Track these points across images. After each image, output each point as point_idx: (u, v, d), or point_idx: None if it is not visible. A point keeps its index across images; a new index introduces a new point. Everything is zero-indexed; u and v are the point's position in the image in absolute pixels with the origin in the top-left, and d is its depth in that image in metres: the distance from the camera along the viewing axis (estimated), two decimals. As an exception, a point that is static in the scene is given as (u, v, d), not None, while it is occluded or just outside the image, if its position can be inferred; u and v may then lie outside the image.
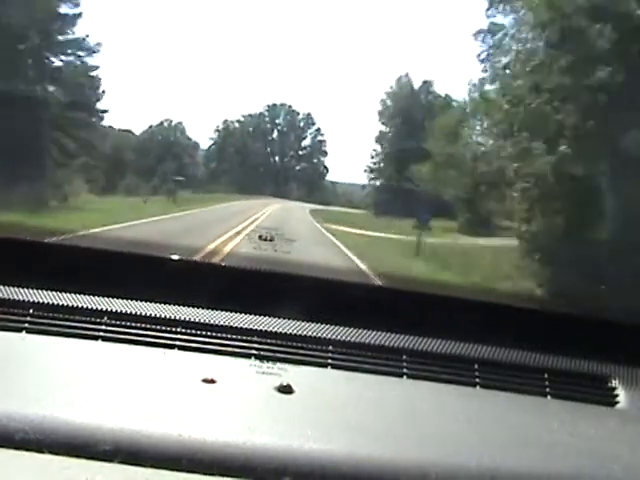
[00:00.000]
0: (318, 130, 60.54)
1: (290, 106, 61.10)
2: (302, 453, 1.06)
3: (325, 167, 61.42)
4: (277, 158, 61.42)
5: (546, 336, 1.61)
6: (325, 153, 60.64)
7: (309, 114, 59.53)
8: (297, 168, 61.71)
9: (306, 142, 61.44)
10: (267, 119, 61.79)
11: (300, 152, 61.48)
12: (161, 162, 49.44)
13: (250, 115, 60.86)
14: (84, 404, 1.11)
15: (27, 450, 0.98)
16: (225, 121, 59.50)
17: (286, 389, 1.29)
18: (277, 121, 62.06)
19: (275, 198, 49.04)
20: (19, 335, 1.41)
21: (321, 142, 59.83)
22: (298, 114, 61.87)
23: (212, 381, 1.28)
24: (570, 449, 1.24)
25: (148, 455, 1.00)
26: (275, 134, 62.12)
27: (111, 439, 1.02)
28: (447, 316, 1.61)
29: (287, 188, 59.44)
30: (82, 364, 1.33)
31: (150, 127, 54.57)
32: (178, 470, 0.99)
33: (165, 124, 56.52)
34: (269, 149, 60.85)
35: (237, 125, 60.88)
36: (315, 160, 61.67)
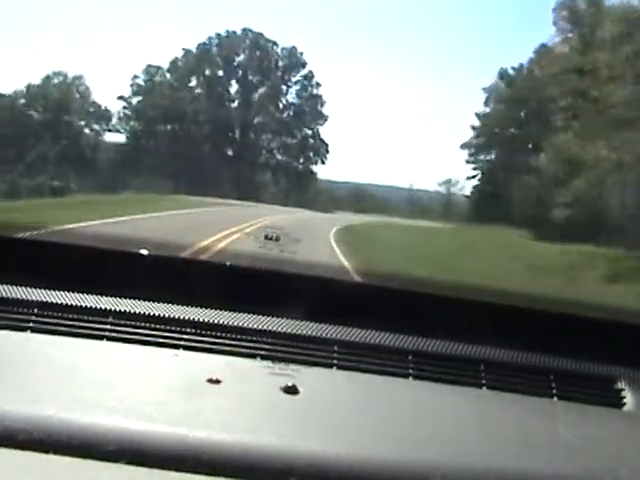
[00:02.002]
0: (309, 76, 37.54)
1: (261, 34, 36.76)
2: (307, 454, 1.05)
3: (323, 142, 37.85)
4: (238, 129, 35.75)
5: (553, 337, 1.61)
6: (323, 117, 37.74)
7: (293, 48, 36.67)
8: (274, 144, 37.28)
9: (290, 97, 37.92)
10: (217, 58, 36.20)
11: (279, 114, 37.25)
12: (40, 142, 30.68)
13: (187, 52, 36.04)
14: (89, 404, 1.11)
15: (31, 450, 0.98)
16: (147, 68, 35.42)
17: (291, 390, 1.28)
18: (237, 60, 36.21)
19: (233, 203, 28.50)
20: (24, 334, 1.41)
21: (316, 98, 37.22)
22: (274, 45, 37.32)
23: (217, 381, 1.28)
24: (576, 451, 1.23)
25: (153, 455, 1.00)
26: (234, 85, 36.82)
27: (116, 439, 1.01)
28: (453, 317, 1.60)
29: (257, 183, 36.57)
30: (87, 364, 1.33)
31: (29, 86, 33.06)
32: (183, 471, 0.98)
33: (55, 79, 34.09)
34: (224, 112, 35.50)
35: (168, 75, 36.04)
36: (306, 130, 37.64)
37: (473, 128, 38.43)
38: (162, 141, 35.78)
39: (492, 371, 1.51)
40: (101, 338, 1.44)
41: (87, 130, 35.75)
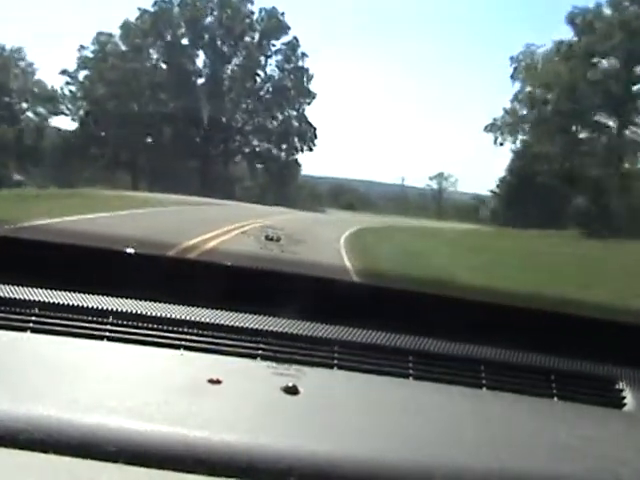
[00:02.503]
0: (293, 44, 31.47)
1: (233, -8, 29.41)
2: (308, 454, 1.05)
3: (309, 125, 31.73)
4: (206, 109, 28.48)
5: (553, 337, 1.61)
6: (309, 95, 31.64)
7: (274, 8, 30.55)
8: (250, 128, 30.59)
9: (269, 69, 31.52)
10: (180, 20, 29.42)
11: (255, 91, 30.69)
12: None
13: (143, 12, 29.26)
14: (89, 404, 1.11)
15: (31, 450, 0.98)
16: (97, 36, 29.10)
17: (292, 390, 1.28)
18: (204, 23, 29.83)
19: (200, 201, 21.98)
20: (24, 335, 1.41)
21: (301, 70, 31.15)
22: (249, 4, 30.74)
23: (218, 381, 1.28)
24: (576, 451, 1.23)
25: (153, 456, 1.00)
26: (200, 55, 30.10)
27: (116, 439, 1.01)
28: (453, 317, 1.60)
29: (230, 177, 30.13)
30: (87, 364, 1.33)
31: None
32: (183, 471, 0.98)
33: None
34: (188, 88, 28.77)
35: (119, 42, 29.36)
36: (289, 110, 31.48)
37: (517, 99, 30.77)
38: (114, 124, 27.41)
39: (492, 371, 1.51)
40: (101, 338, 1.44)
41: (30, 113, 29.01)
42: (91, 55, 28.99)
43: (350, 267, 11.49)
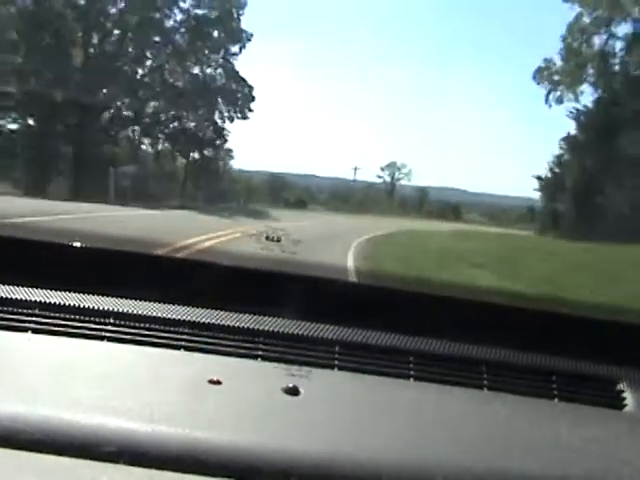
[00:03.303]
0: None
1: None
2: (308, 455, 1.05)
3: (243, 82, 20.73)
4: (81, 57, 18.21)
5: (554, 338, 1.61)
6: (241, 36, 20.79)
7: None
8: (156, 84, 19.15)
9: (185, 4, 18.98)
10: None
11: (160, 33, 18.99)
12: None
13: None
14: (89, 405, 1.11)
15: (31, 451, 0.98)
16: None
17: (292, 390, 1.28)
18: None
19: (68, 210, 13.64)
20: (25, 335, 1.41)
21: (230, 0, 19.84)
22: None
23: (218, 382, 1.28)
24: (577, 452, 1.23)
25: (153, 456, 1.00)
26: None
27: (116, 440, 1.01)
28: (454, 317, 1.60)
29: (122, 165, 18.98)
30: (87, 364, 1.33)
31: None
32: (183, 472, 0.98)
33: None
34: (60, 24, 18.50)
35: None
36: (212, 60, 20.23)
37: (570, 33, 19.99)
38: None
39: (493, 372, 1.51)
40: (101, 338, 1.44)
41: None
42: None
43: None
